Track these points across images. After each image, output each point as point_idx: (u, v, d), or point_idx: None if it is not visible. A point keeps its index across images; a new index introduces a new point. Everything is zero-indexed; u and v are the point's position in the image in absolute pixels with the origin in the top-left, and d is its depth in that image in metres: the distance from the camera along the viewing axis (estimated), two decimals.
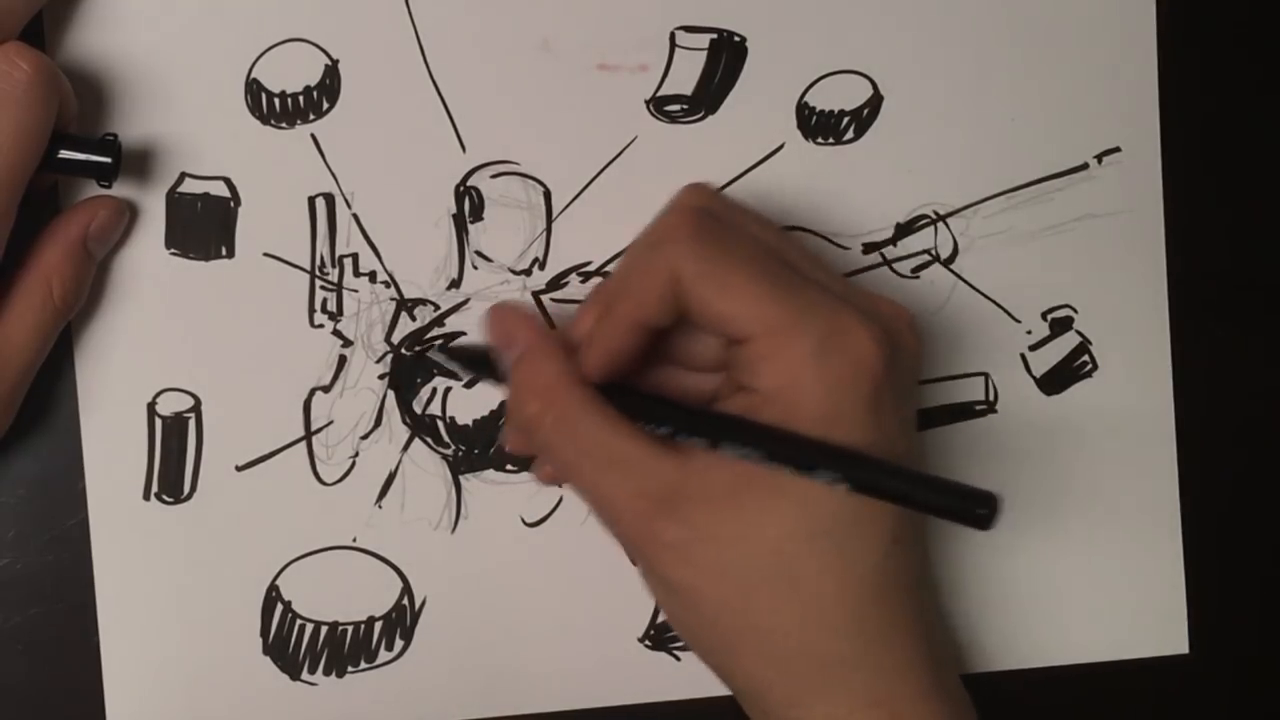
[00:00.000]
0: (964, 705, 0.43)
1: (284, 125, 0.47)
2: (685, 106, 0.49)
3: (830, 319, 0.40)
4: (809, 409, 0.39)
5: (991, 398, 0.50)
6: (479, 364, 0.45)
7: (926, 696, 0.41)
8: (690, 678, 0.49)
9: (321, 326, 0.48)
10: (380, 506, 0.48)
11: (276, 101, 0.47)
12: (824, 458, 0.39)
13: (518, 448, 0.46)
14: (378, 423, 0.48)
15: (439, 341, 0.48)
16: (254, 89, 0.47)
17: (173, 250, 0.47)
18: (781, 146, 0.49)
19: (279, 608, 0.48)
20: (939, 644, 0.42)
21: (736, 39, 0.49)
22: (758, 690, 0.42)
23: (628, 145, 0.49)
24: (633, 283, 0.41)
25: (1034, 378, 0.50)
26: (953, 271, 0.50)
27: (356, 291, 0.48)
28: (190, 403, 0.47)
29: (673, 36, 0.49)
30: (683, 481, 0.40)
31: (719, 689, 0.49)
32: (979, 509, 0.39)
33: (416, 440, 0.48)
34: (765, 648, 0.41)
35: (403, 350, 0.48)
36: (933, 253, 0.50)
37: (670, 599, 0.42)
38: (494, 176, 0.48)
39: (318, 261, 0.48)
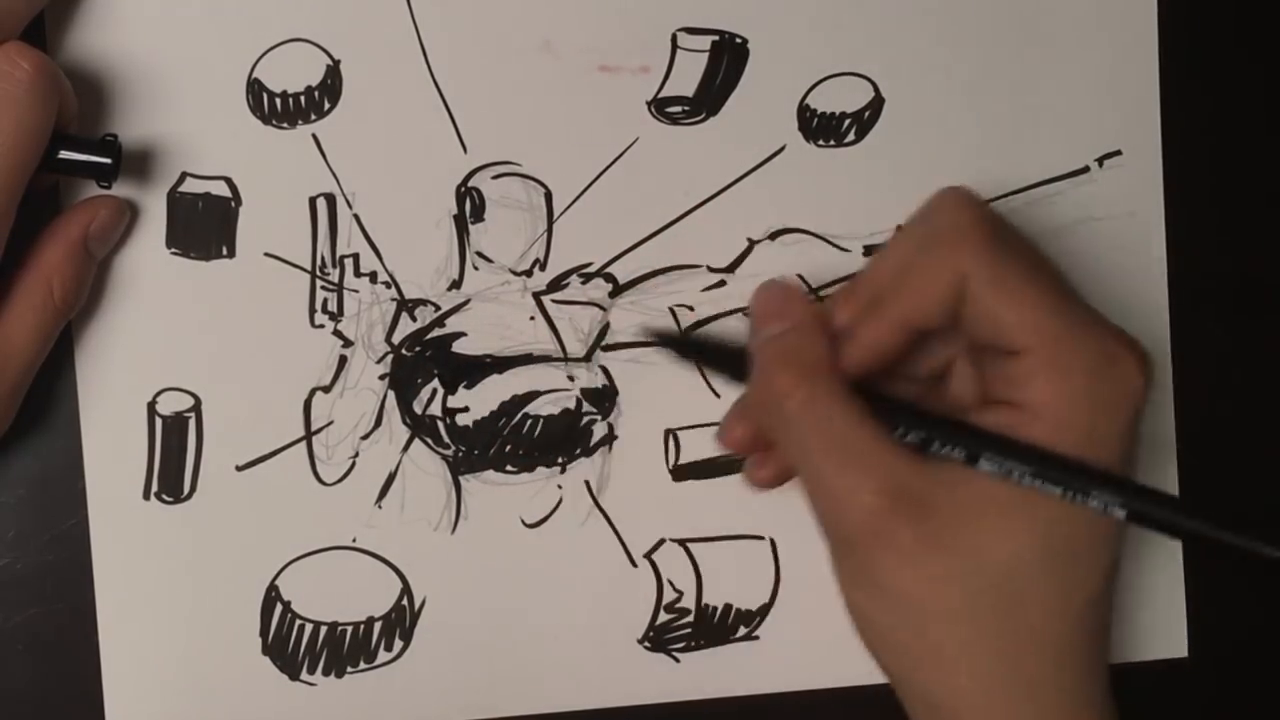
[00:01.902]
0: None
1: (285, 125, 0.47)
2: (686, 108, 0.49)
3: (1106, 342, 0.40)
4: (1077, 430, 0.39)
5: None
6: (733, 365, 0.44)
7: None
8: (690, 678, 0.49)
9: (322, 327, 0.48)
10: (380, 507, 0.48)
11: (278, 101, 0.47)
12: (1103, 483, 0.39)
13: (735, 440, 0.44)
14: (378, 423, 0.48)
15: (691, 340, 0.48)
16: (255, 89, 0.47)
17: (173, 250, 0.47)
18: (783, 148, 0.49)
19: (279, 608, 0.48)
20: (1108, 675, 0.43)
21: (738, 41, 0.49)
22: (948, 704, 0.41)
23: (629, 146, 0.48)
24: (912, 281, 0.41)
25: None
26: None
27: (357, 292, 0.48)
28: (190, 402, 0.47)
29: (674, 38, 0.49)
30: (926, 488, 0.40)
31: (719, 689, 0.49)
32: (1268, 548, 0.38)
33: (416, 441, 0.48)
34: (973, 662, 0.40)
35: (403, 351, 0.48)
36: None
37: (879, 603, 0.41)
38: (495, 177, 0.48)
39: (318, 262, 0.48)
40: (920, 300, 0.40)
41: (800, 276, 0.49)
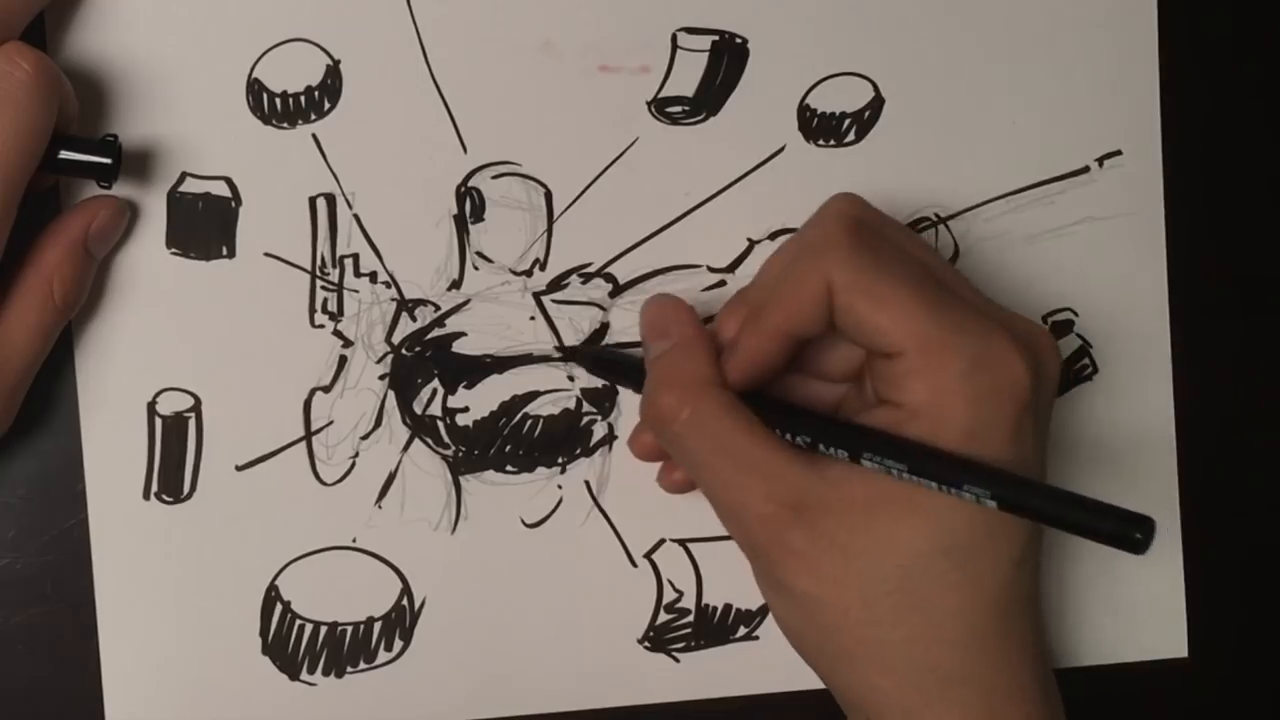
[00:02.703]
0: (1061, 716, 0.43)
1: (285, 125, 0.47)
2: (687, 108, 0.49)
3: (982, 339, 0.40)
4: (955, 426, 0.39)
5: None
6: (631, 375, 0.45)
7: (1034, 714, 0.41)
8: (689, 679, 0.49)
9: (322, 327, 0.48)
10: (380, 507, 0.48)
11: (278, 101, 0.47)
12: (972, 475, 0.39)
13: (643, 449, 0.46)
14: (378, 423, 0.48)
15: (594, 347, 0.48)
16: (255, 89, 0.47)
17: (173, 250, 0.47)
18: (783, 148, 0.49)
19: (278, 608, 0.48)
20: (1045, 661, 0.43)
21: (738, 41, 0.49)
22: (870, 703, 0.41)
23: (629, 146, 0.48)
24: (784, 291, 0.41)
25: None
26: None
27: (357, 292, 0.48)
28: (190, 402, 0.47)
29: (674, 38, 0.48)
30: (818, 491, 0.40)
31: (719, 690, 0.49)
32: (1135, 532, 0.38)
33: (416, 441, 0.48)
34: (884, 660, 0.41)
35: (403, 351, 0.48)
36: None
37: (788, 606, 0.42)
38: (495, 177, 0.48)
39: (318, 262, 0.48)
40: (793, 309, 0.41)
41: None
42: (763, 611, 0.49)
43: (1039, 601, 0.43)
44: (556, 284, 0.49)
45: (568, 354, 0.48)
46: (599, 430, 0.49)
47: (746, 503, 0.41)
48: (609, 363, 0.47)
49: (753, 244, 0.49)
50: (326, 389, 0.48)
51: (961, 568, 0.40)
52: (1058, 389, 0.43)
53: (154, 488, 0.47)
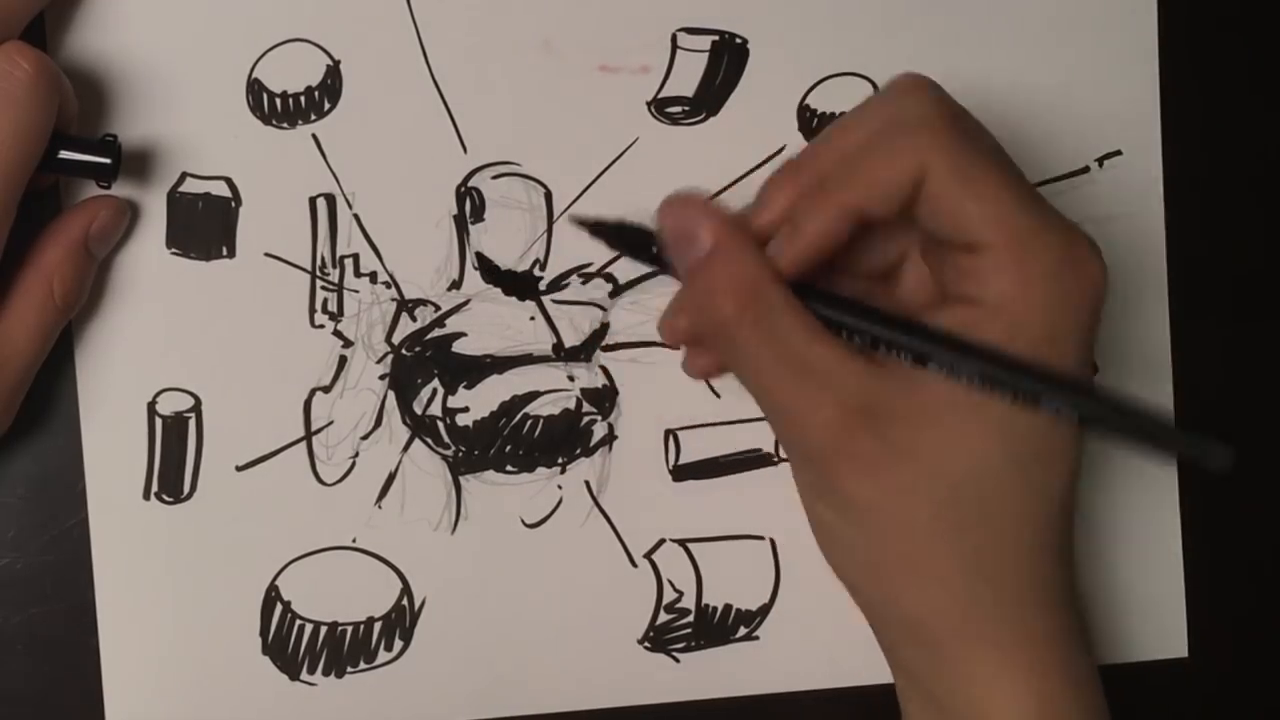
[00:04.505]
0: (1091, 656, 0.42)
1: (285, 125, 0.47)
2: (686, 108, 0.49)
3: (1068, 240, 0.39)
4: (1034, 327, 0.38)
5: None
6: (638, 247, 0.41)
7: (1078, 644, 0.41)
8: (689, 679, 0.49)
9: (322, 327, 0.48)
10: (380, 507, 0.48)
11: (278, 101, 0.47)
12: (1056, 390, 0.38)
13: (680, 337, 0.42)
14: (378, 423, 0.48)
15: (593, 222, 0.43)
16: (255, 89, 0.47)
17: (173, 250, 0.47)
18: (783, 148, 0.49)
19: (278, 608, 0.48)
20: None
21: (738, 41, 0.49)
22: (920, 617, 0.40)
23: (629, 147, 0.48)
24: (869, 166, 0.39)
25: None
26: None
27: (357, 292, 0.48)
28: (190, 402, 0.47)
29: (674, 38, 0.49)
30: (884, 396, 0.39)
31: (719, 690, 0.49)
32: (1216, 452, 0.37)
33: (417, 441, 0.48)
34: (944, 572, 0.39)
35: (403, 351, 0.48)
36: None
37: (845, 519, 0.40)
38: (495, 177, 0.48)
39: (318, 262, 0.48)
40: (876, 187, 0.39)
41: None
42: (763, 611, 0.49)
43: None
44: (556, 284, 0.49)
45: (580, 222, 0.43)
46: (599, 430, 0.49)
47: (810, 409, 0.39)
48: (613, 229, 0.43)
49: None
50: (326, 389, 0.48)
51: (1028, 478, 0.39)
52: None
53: (154, 488, 0.47)
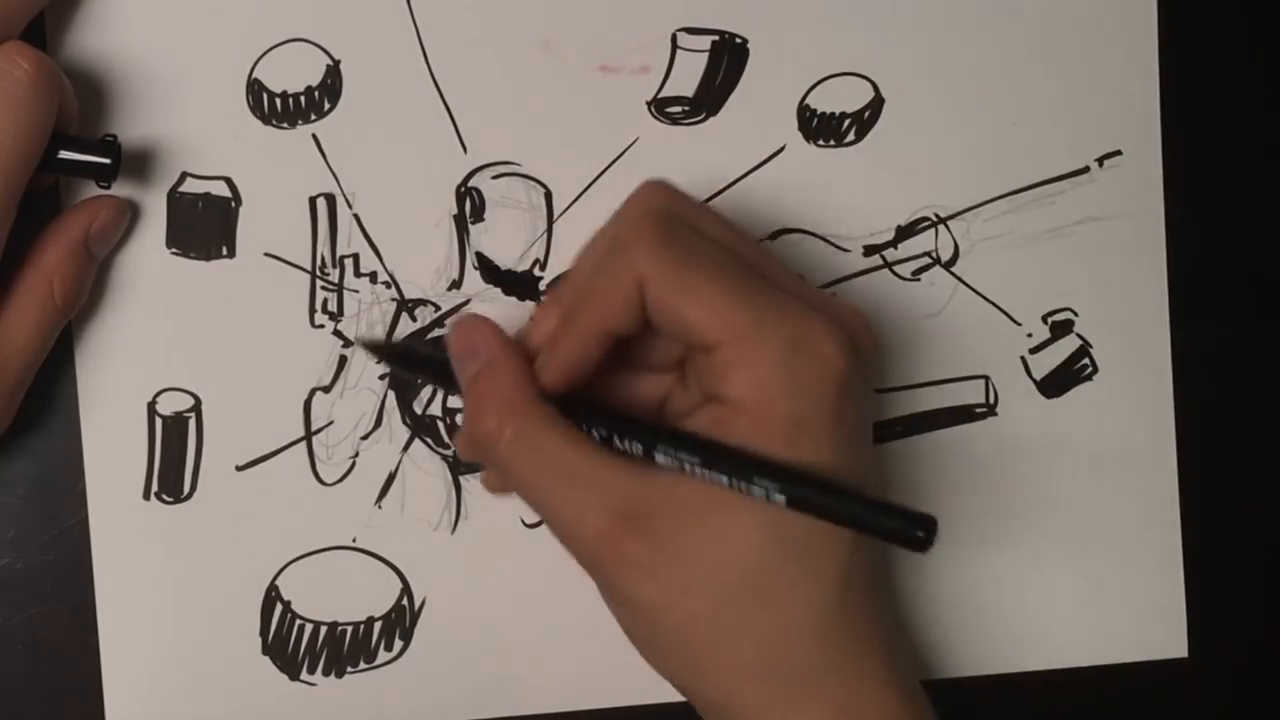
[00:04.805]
0: (925, 707, 0.42)
1: (285, 125, 0.47)
2: (686, 108, 0.49)
3: (796, 323, 0.39)
4: (779, 416, 0.39)
5: (992, 400, 0.50)
6: (438, 372, 0.43)
7: (891, 700, 0.41)
8: None
9: (322, 327, 0.48)
10: (380, 507, 0.48)
11: (278, 101, 0.47)
12: (761, 470, 0.38)
13: (469, 457, 0.44)
14: (378, 423, 0.48)
15: (397, 341, 0.47)
16: (255, 89, 0.47)
17: (174, 250, 0.47)
18: (783, 148, 0.49)
19: (279, 608, 0.48)
20: (898, 645, 0.42)
21: (738, 41, 0.49)
22: (726, 704, 0.41)
23: (629, 146, 0.48)
24: (596, 290, 0.40)
25: (1034, 381, 0.50)
26: (953, 274, 0.50)
27: (357, 292, 0.48)
28: (190, 402, 0.47)
29: (674, 38, 0.49)
30: (648, 498, 0.39)
31: None
32: (917, 531, 0.38)
33: (417, 441, 0.48)
34: (734, 661, 0.40)
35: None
36: (934, 255, 0.50)
37: (635, 618, 0.41)
38: (495, 177, 0.48)
39: (318, 262, 0.48)
40: (606, 308, 0.40)
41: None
42: None
43: (885, 584, 0.42)
44: (556, 284, 0.49)
45: (365, 346, 0.46)
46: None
47: (579, 518, 0.40)
48: (412, 358, 0.45)
49: None
50: (327, 389, 0.48)
51: (800, 560, 0.39)
52: (874, 371, 0.43)
53: (154, 488, 0.47)
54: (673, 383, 0.43)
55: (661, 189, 0.42)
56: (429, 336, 0.48)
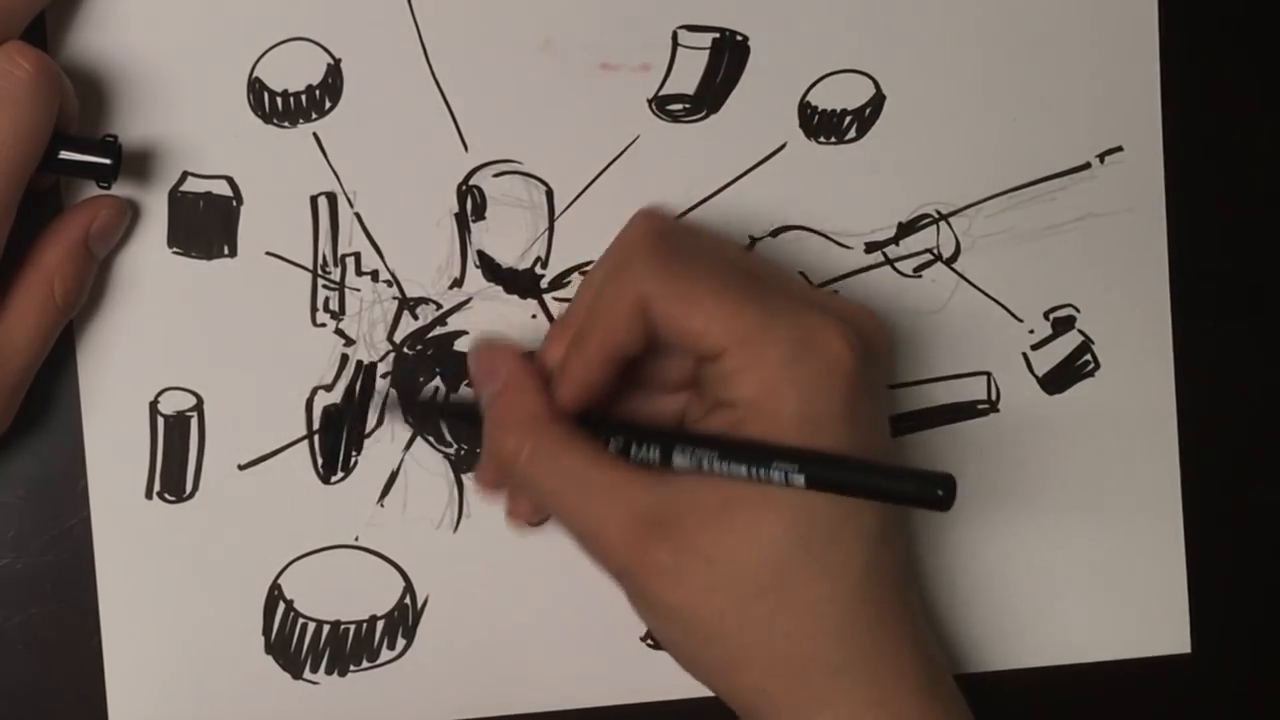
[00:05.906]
0: (957, 701, 0.43)
1: (286, 124, 0.47)
2: (687, 106, 0.49)
3: (799, 324, 0.40)
4: (789, 416, 0.39)
5: (993, 397, 0.50)
6: (466, 416, 0.45)
7: (922, 694, 0.41)
8: (691, 678, 0.49)
9: (324, 325, 0.48)
10: (382, 505, 0.48)
11: (279, 100, 0.47)
12: (778, 454, 0.39)
13: (491, 485, 0.45)
14: (380, 422, 0.48)
15: (440, 400, 0.48)
16: (256, 88, 0.47)
17: (175, 249, 0.47)
18: (784, 146, 0.49)
19: (281, 606, 0.48)
20: (930, 642, 0.43)
21: (739, 38, 0.49)
22: (760, 705, 0.41)
23: (630, 144, 0.49)
24: (599, 312, 0.41)
25: (1036, 377, 0.50)
26: (955, 271, 0.50)
27: (359, 290, 0.48)
28: (192, 401, 0.47)
29: (675, 36, 0.49)
30: (670, 503, 0.40)
31: None
32: (937, 490, 0.38)
33: (419, 439, 0.48)
34: (765, 661, 0.40)
35: (405, 349, 0.48)
36: (935, 252, 0.50)
37: (665, 622, 0.42)
38: (496, 176, 0.48)
39: (320, 260, 0.48)
40: (610, 329, 0.41)
41: (801, 274, 0.49)
42: None
43: (914, 580, 0.42)
44: (558, 282, 0.49)
45: (406, 411, 0.48)
46: None
47: (604, 528, 0.41)
48: (442, 409, 0.47)
49: (754, 241, 0.49)
50: (328, 388, 0.48)
51: (824, 555, 0.40)
52: (891, 366, 0.43)
53: (156, 487, 0.47)
54: (687, 400, 0.44)
55: (655, 215, 0.43)
56: (429, 336, 0.48)
